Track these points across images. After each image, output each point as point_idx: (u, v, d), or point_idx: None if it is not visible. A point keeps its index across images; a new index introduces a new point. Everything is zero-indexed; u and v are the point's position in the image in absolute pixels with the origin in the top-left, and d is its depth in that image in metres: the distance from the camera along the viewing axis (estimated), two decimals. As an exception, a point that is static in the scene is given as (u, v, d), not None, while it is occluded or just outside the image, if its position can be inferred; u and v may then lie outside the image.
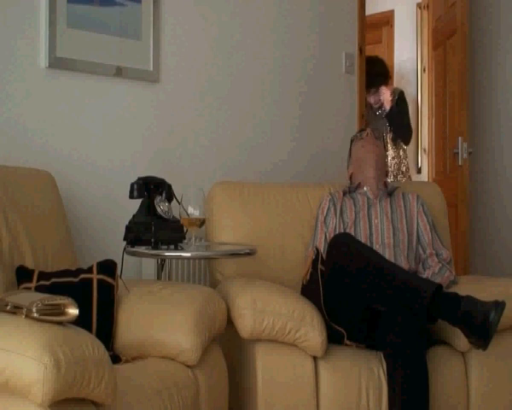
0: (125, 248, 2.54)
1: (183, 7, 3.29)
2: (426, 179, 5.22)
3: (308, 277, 2.58)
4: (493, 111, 4.58)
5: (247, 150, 3.53)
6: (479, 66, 4.56)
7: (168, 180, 2.70)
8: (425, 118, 5.48)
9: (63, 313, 1.56)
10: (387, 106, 4.73)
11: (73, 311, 1.56)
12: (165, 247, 2.52)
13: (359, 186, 3.04)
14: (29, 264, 2.28)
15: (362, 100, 4.07)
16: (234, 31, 3.49)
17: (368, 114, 4.52)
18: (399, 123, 4.75)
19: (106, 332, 2.16)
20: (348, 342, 2.48)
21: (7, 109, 2.73)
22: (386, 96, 4.74)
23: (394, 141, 4.75)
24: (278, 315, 2.32)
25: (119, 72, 3.04)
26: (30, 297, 1.60)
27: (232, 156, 3.47)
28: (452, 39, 4.16)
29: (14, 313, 1.57)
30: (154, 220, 2.54)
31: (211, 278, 2.98)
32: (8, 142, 2.72)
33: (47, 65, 2.81)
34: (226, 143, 3.45)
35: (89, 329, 2.07)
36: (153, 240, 2.51)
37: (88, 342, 1.54)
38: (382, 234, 2.88)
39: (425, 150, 5.52)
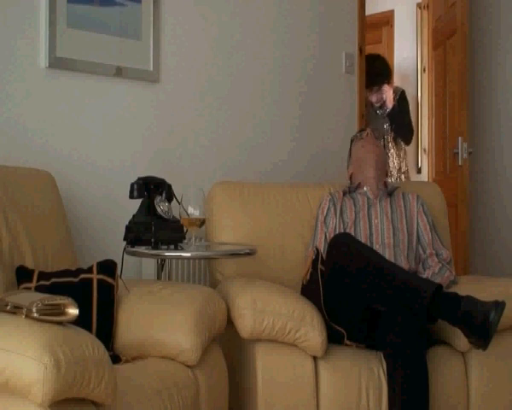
0: (125, 248, 2.54)
1: (183, 7, 3.29)
2: (426, 179, 5.22)
3: (308, 277, 2.58)
4: (493, 111, 4.58)
5: (247, 150, 3.53)
6: (479, 66, 4.56)
7: (168, 180, 2.70)
8: (425, 118, 5.48)
9: (63, 313, 1.56)
10: (390, 105, 4.71)
11: (73, 311, 1.56)
12: (165, 247, 2.52)
13: (359, 186, 3.04)
14: (29, 264, 2.28)
15: (362, 100, 4.07)
16: (234, 31, 3.49)
17: (368, 113, 4.51)
18: (401, 122, 4.74)
19: (106, 332, 2.16)
20: (348, 342, 2.48)
21: (7, 109, 2.73)
22: (388, 94, 4.72)
23: (395, 141, 4.75)
24: (278, 315, 2.32)
25: (119, 72, 3.04)
26: (30, 297, 1.60)
27: (232, 156, 3.47)
28: (452, 39, 4.16)
29: (14, 313, 1.57)
30: (154, 220, 2.54)
31: (211, 278, 2.98)
32: (8, 142, 2.72)
33: (47, 65, 2.81)
34: (226, 143, 3.45)
35: (89, 329, 2.07)
36: (153, 240, 2.51)
37: (88, 342, 1.54)
38: (382, 234, 2.88)
39: (425, 150, 5.52)
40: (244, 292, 2.40)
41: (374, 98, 4.71)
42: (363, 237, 2.85)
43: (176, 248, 2.53)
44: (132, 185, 2.63)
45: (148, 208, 2.59)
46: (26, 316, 1.53)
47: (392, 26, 6.03)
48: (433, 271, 2.83)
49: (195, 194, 2.58)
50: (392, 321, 2.35)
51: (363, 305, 2.45)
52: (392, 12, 6.02)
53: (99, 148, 3.00)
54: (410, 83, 5.82)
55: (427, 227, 2.94)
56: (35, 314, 1.52)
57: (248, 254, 2.59)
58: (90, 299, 2.18)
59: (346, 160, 3.23)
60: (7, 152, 2.68)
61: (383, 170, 3.11)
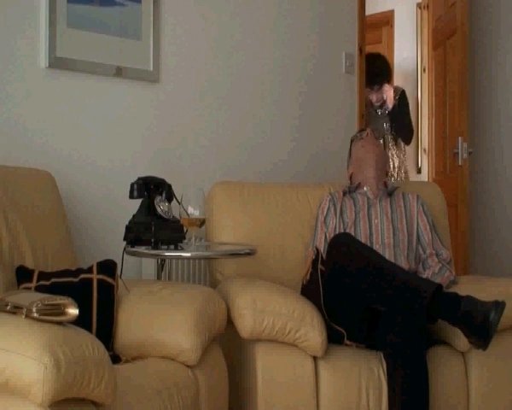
0: (125, 248, 2.54)
1: (183, 7, 3.29)
2: (426, 179, 5.22)
3: (308, 277, 2.58)
4: (493, 111, 4.58)
5: (247, 150, 3.53)
6: (479, 66, 4.56)
7: (168, 180, 2.70)
8: (425, 118, 5.48)
9: (63, 313, 1.56)
10: (390, 104, 4.70)
11: (73, 311, 1.56)
12: (165, 247, 2.52)
13: (359, 186, 3.04)
14: (29, 264, 2.28)
15: (362, 100, 4.07)
16: (234, 31, 3.49)
17: (368, 113, 4.50)
18: (401, 122, 4.73)
19: (106, 332, 2.16)
20: (348, 342, 2.48)
21: (7, 109, 2.73)
22: (389, 93, 4.71)
23: (395, 140, 4.74)
24: (278, 315, 2.32)
25: (119, 72, 3.04)
26: (30, 297, 1.60)
27: (232, 156, 3.47)
28: (452, 39, 4.16)
29: (14, 313, 1.57)
30: (154, 220, 2.54)
31: (211, 278, 2.98)
32: (8, 142, 2.72)
33: (47, 65, 2.81)
34: (226, 143, 3.45)
35: (89, 329, 2.07)
36: (153, 240, 2.51)
37: (88, 342, 1.54)
38: (382, 234, 2.88)
39: (425, 150, 5.52)
40: (244, 292, 2.40)
41: (374, 97, 4.70)
42: (363, 237, 2.85)
43: (176, 248, 2.53)
44: (132, 185, 2.63)
45: (148, 208, 2.59)
46: (26, 316, 1.53)
47: (392, 26, 6.03)
48: (433, 271, 2.83)
49: (195, 194, 2.58)
50: (392, 321, 2.35)
51: (363, 305, 2.45)
52: (392, 12, 6.02)
53: (99, 148, 3.00)
54: (410, 83, 5.81)
55: (427, 227, 2.94)
56: (35, 314, 1.52)
57: (248, 254, 2.59)
58: (90, 299, 2.18)
59: (346, 160, 3.23)
60: (7, 152, 2.68)
61: (383, 170, 3.11)
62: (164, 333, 2.12)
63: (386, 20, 6.03)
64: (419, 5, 5.73)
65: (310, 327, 2.34)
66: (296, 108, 3.75)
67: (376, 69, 4.59)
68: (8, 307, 1.59)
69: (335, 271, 2.49)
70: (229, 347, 2.47)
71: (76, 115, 2.93)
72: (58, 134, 2.88)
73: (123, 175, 2.97)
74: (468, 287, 2.65)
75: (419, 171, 5.73)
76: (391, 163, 4.66)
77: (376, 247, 2.82)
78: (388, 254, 2.79)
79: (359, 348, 2.49)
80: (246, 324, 2.31)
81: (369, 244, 2.79)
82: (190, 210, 2.54)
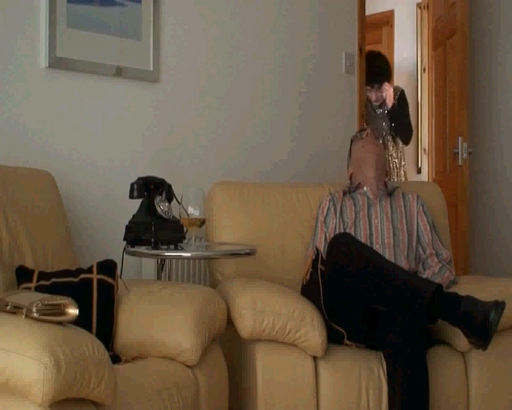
0: (125, 248, 2.54)
1: (183, 7, 3.29)
2: (426, 179, 5.22)
3: (308, 277, 2.58)
4: (493, 111, 4.58)
5: (247, 150, 3.53)
6: (479, 66, 4.56)
7: (168, 180, 2.70)
8: (425, 118, 5.48)
9: (63, 313, 1.56)
10: (389, 103, 4.69)
11: (73, 311, 1.56)
12: (165, 247, 2.52)
13: (359, 186, 3.04)
14: (29, 264, 2.28)
15: (362, 100, 4.07)
16: (234, 31, 3.49)
17: (367, 113, 4.50)
18: (401, 122, 4.73)
19: (106, 332, 2.16)
20: (348, 342, 2.48)
21: (7, 109, 2.73)
22: (389, 92, 4.70)
23: (394, 140, 4.74)
24: (278, 315, 2.32)
25: (119, 72, 3.04)
26: (30, 297, 1.60)
27: (232, 156, 3.47)
28: (452, 39, 4.16)
29: (14, 313, 1.57)
30: (154, 220, 2.54)
31: (211, 278, 2.98)
32: (8, 142, 2.72)
33: (47, 65, 2.81)
34: (226, 143, 3.45)
35: (89, 329, 2.07)
36: (153, 240, 2.51)
37: (88, 342, 1.54)
38: (382, 234, 2.88)
39: (425, 150, 5.52)
40: (244, 292, 2.40)
41: (373, 96, 4.68)
42: (363, 237, 2.85)
43: (176, 248, 2.53)
44: (132, 185, 2.63)
45: (148, 208, 2.59)
46: (26, 316, 1.53)
47: (392, 26, 6.04)
48: (433, 271, 2.83)
49: (195, 194, 2.58)
50: (392, 321, 2.35)
51: (363, 305, 2.45)
52: (392, 12, 6.03)
53: (99, 148, 3.00)
54: (410, 83, 5.81)
55: (427, 227, 2.94)
56: (35, 314, 1.52)
57: (248, 254, 2.59)
58: (90, 299, 2.18)
59: (346, 160, 3.23)
60: (7, 152, 2.68)
61: (383, 170, 3.11)
62: (164, 333, 2.12)
63: (386, 20, 6.03)
64: (419, 5, 5.73)
65: (310, 327, 2.34)
66: (296, 108, 3.75)
67: (376, 68, 4.59)
68: (8, 307, 1.59)
69: (335, 271, 2.49)
70: (229, 347, 2.47)
71: (76, 115, 2.93)
72: (58, 134, 2.88)
73: (123, 175, 2.97)
74: (468, 287, 2.65)
75: (419, 171, 5.73)
76: (390, 164, 4.66)
77: (376, 247, 2.82)
78: (388, 254, 2.79)
79: (359, 348, 2.49)
80: (246, 324, 2.31)
81: (369, 244, 2.79)
82: (190, 210, 2.54)
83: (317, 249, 2.63)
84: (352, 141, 3.21)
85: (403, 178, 4.71)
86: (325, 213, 2.98)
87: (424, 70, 5.50)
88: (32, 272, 2.23)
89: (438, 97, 4.56)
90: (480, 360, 2.53)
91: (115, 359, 2.03)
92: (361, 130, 3.36)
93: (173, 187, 2.69)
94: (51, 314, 1.54)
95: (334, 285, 2.48)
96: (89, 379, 1.51)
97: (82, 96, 2.95)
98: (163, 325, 2.13)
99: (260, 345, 2.36)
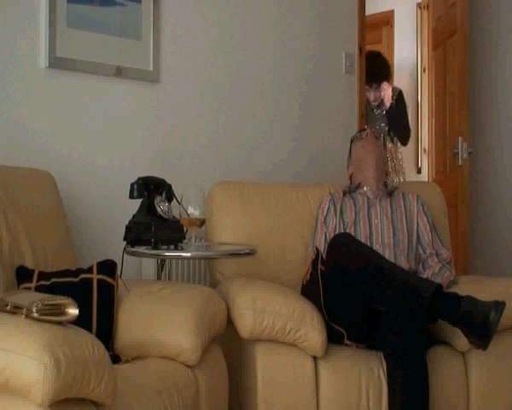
0: (125, 248, 2.54)
1: (183, 7, 3.29)
2: (426, 179, 5.22)
3: (308, 277, 2.58)
4: (493, 111, 4.58)
5: (247, 150, 3.53)
6: (479, 66, 4.56)
7: (168, 180, 2.70)
8: (425, 118, 5.48)
9: (63, 313, 1.56)
10: (388, 103, 4.69)
11: (73, 311, 1.56)
12: (165, 247, 2.52)
13: (359, 186, 3.04)
14: (29, 264, 2.28)
15: (362, 100, 4.07)
16: (234, 31, 3.49)
17: (365, 113, 4.49)
18: (399, 123, 4.73)
19: (106, 332, 2.16)
20: (348, 342, 2.48)
21: (7, 109, 2.73)
22: (387, 92, 4.70)
23: (392, 141, 4.73)
24: (278, 315, 2.32)
25: (119, 72, 3.04)
26: (30, 297, 1.60)
27: (232, 156, 3.47)
28: (452, 39, 4.16)
29: (14, 313, 1.57)
30: (154, 220, 2.54)
31: (211, 278, 2.98)
32: (8, 142, 2.72)
33: (47, 65, 2.81)
34: (226, 143, 3.45)
35: (89, 329, 2.07)
36: (153, 240, 2.51)
37: (88, 342, 1.54)
38: (382, 234, 2.88)
39: (425, 150, 5.52)
40: (244, 292, 2.40)
41: (372, 96, 4.68)
42: (363, 237, 2.85)
43: (176, 248, 2.53)
44: (132, 185, 2.63)
45: (148, 208, 2.59)
46: (26, 316, 1.53)
47: (392, 26, 6.04)
48: (433, 271, 2.83)
49: (195, 194, 2.58)
50: (392, 321, 2.35)
51: (363, 305, 2.45)
52: (392, 12, 6.03)
53: (99, 148, 3.00)
54: (410, 83, 5.82)
55: (427, 227, 2.94)
56: (35, 314, 1.52)
57: (248, 254, 2.59)
58: (90, 299, 2.18)
59: (346, 160, 3.23)
60: (7, 152, 2.68)
61: (383, 170, 3.11)
62: (164, 333, 2.12)
63: (386, 20, 6.03)
64: (419, 5, 5.74)
65: (310, 327, 2.34)
66: (296, 108, 3.75)
67: (376, 68, 4.59)
68: (8, 307, 1.59)
69: (335, 271, 2.49)
70: (229, 347, 2.47)
71: (76, 115, 2.93)
72: (58, 134, 2.88)
73: (123, 175, 2.97)
74: (468, 287, 2.65)
75: (419, 171, 5.74)
76: (390, 164, 4.65)
77: (376, 247, 2.82)
78: (388, 254, 2.79)
79: (359, 348, 2.49)
80: (246, 324, 2.31)
81: (369, 244, 2.79)
82: (190, 210, 2.54)
83: (317, 249, 2.63)
84: (351, 141, 3.21)
85: (401, 179, 4.71)
86: (325, 213, 2.98)
87: (424, 70, 5.50)
88: (31, 272, 2.23)
89: (438, 97, 4.56)
90: (480, 360, 2.53)
91: (115, 359, 2.03)
92: (361, 130, 3.36)
93: (173, 187, 2.69)
94: (51, 314, 1.54)
95: (334, 285, 2.48)
96: (89, 379, 1.51)
97: (82, 96, 2.95)
98: (163, 325, 2.13)
99: (260, 345, 2.36)
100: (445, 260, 2.89)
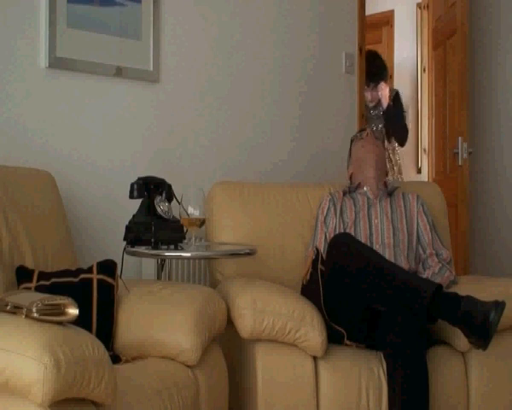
0: (125, 248, 2.54)
1: (183, 7, 3.29)
2: (426, 179, 5.22)
3: (308, 277, 2.58)
4: (493, 111, 4.58)
5: (247, 150, 3.53)
6: (479, 66, 4.56)
7: (168, 180, 2.70)
8: (425, 118, 5.48)
9: (63, 313, 1.56)
10: (385, 103, 4.69)
11: (73, 311, 1.56)
12: (165, 247, 2.52)
13: (359, 186, 3.04)
14: (29, 264, 2.28)
15: (362, 100, 4.07)
16: (234, 31, 3.49)
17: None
18: (397, 123, 4.72)
19: (106, 332, 2.16)
20: (348, 342, 2.48)
21: (7, 109, 2.73)
22: (385, 92, 4.70)
23: (389, 141, 4.72)
24: (278, 315, 2.32)
25: (119, 72, 3.04)
26: (30, 297, 1.60)
27: (232, 156, 3.47)
28: (452, 39, 4.16)
29: (14, 313, 1.57)
30: (154, 220, 2.54)
31: (211, 278, 2.98)
32: (8, 142, 2.72)
33: (47, 65, 2.81)
34: (226, 143, 3.45)
35: (89, 329, 2.07)
36: (153, 240, 2.51)
37: (88, 342, 1.54)
38: (382, 234, 2.88)
39: (425, 150, 5.52)
40: (244, 292, 2.40)
41: (369, 96, 4.66)
42: (363, 237, 2.85)
43: (176, 248, 2.53)
44: (132, 185, 2.63)
45: (148, 208, 2.59)
46: (26, 316, 1.53)
47: (392, 26, 6.04)
48: (433, 271, 2.83)
49: (195, 194, 2.58)
50: (392, 321, 2.35)
51: (363, 305, 2.45)
52: (392, 12, 6.03)
53: (99, 148, 3.00)
54: (410, 83, 5.82)
55: (427, 227, 2.94)
56: (35, 314, 1.52)
57: (248, 254, 2.59)
58: (90, 299, 2.18)
59: (346, 160, 3.23)
60: (7, 152, 2.68)
61: (383, 170, 3.11)
62: (164, 333, 2.12)
63: (386, 20, 6.03)
64: (419, 5, 5.74)
65: (310, 327, 2.34)
66: (296, 108, 3.75)
67: (374, 68, 4.58)
68: (8, 307, 1.59)
69: (335, 271, 2.49)
70: (229, 347, 2.47)
71: (76, 115, 2.93)
72: (58, 134, 2.88)
73: (123, 175, 2.97)
74: (468, 287, 2.65)
75: (419, 171, 5.74)
76: (388, 164, 4.65)
77: (376, 247, 2.82)
78: (388, 254, 2.79)
79: (359, 348, 2.49)
80: (246, 324, 2.31)
81: (369, 244, 2.79)
82: (190, 210, 2.54)
83: (317, 249, 2.63)
84: (351, 141, 3.21)
85: (399, 179, 4.71)
86: (325, 213, 2.98)
87: (424, 70, 5.50)
88: (32, 272, 2.23)
89: (438, 97, 4.56)
90: (480, 360, 2.53)
91: (115, 359, 2.03)
92: (361, 130, 3.36)
93: (173, 187, 2.69)
94: (51, 314, 1.54)
95: (334, 285, 2.48)
96: (89, 379, 1.51)
97: (82, 96, 2.95)
98: (163, 325, 2.13)
99: (260, 345, 2.36)
100: (445, 260, 2.89)
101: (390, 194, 3.01)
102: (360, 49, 4.04)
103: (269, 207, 3.02)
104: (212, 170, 3.35)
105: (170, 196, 2.65)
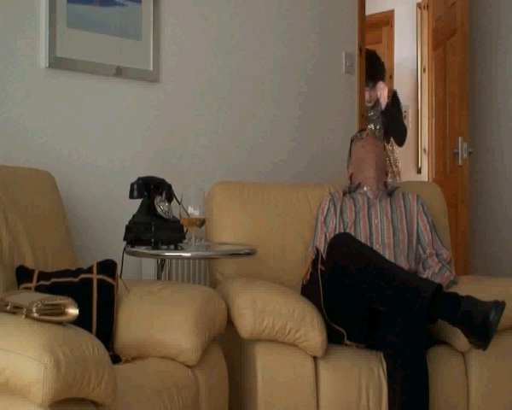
0: (125, 248, 2.54)
1: (183, 7, 3.29)
2: (426, 179, 5.22)
3: (308, 277, 2.58)
4: (493, 111, 4.58)
5: (247, 150, 3.53)
6: (479, 66, 4.56)
7: (168, 180, 2.70)
8: (425, 118, 5.48)
9: (63, 313, 1.56)
10: (384, 103, 4.68)
11: (73, 311, 1.56)
12: (165, 247, 2.52)
13: (359, 186, 3.04)
14: (29, 264, 2.28)
15: (362, 100, 4.07)
16: (234, 31, 3.49)
17: None
18: (396, 123, 4.72)
19: (106, 332, 2.16)
20: (348, 342, 2.48)
21: (7, 109, 2.73)
22: (383, 92, 4.69)
23: (387, 141, 4.72)
24: (278, 315, 2.32)
25: (119, 72, 3.04)
26: (30, 297, 1.60)
27: (232, 156, 3.47)
28: (452, 39, 4.16)
29: (14, 313, 1.57)
30: (154, 220, 2.54)
31: (211, 278, 2.98)
32: (8, 142, 2.72)
33: (47, 65, 2.81)
34: (226, 143, 3.45)
35: (89, 329, 2.07)
36: (153, 240, 2.51)
37: (88, 342, 1.54)
38: (382, 234, 2.88)
39: (425, 150, 5.52)
40: (244, 292, 2.40)
41: (367, 96, 4.64)
42: (363, 237, 2.85)
43: (176, 248, 2.53)
44: (132, 185, 2.63)
45: (148, 208, 2.59)
46: (26, 316, 1.53)
47: (392, 26, 6.04)
48: (433, 271, 2.83)
49: (195, 194, 2.58)
50: (392, 321, 2.35)
51: (363, 305, 2.45)
52: (392, 12, 6.03)
53: (99, 148, 3.00)
54: (410, 83, 5.82)
55: (427, 227, 2.94)
56: (35, 314, 1.52)
57: (248, 254, 2.59)
58: (90, 299, 2.18)
59: (346, 160, 3.23)
60: (7, 152, 2.68)
61: (383, 170, 3.11)
62: (164, 333, 2.12)
63: (386, 20, 6.03)
64: (419, 5, 5.74)
65: (310, 327, 2.34)
66: (296, 108, 3.75)
67: (370, 66, 4.56)
68: (8, 307, 1.59)
69: (335, 271, 2.49)
70: (229, 347, 2.47)
71: (76, 115, 2.93)
72: (58, 134, 2.88)
73: (123, 175, 2.97)
74: (468, 287, 2.65)
75: (419, 171, 5.74)
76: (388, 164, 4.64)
77: (376, 247, 2.82)
78: (388, 254, 2.79)
79: (359, 348, 2.49)
80: (246, 324, 2.31)
81: (369, 244, 2.79)
82: (190, 210, 2.54)
83: (317, 249, 2.63)
84: (351, 141, 3.21)
85: (397, 179, 4.71)
86: (325, 213, 2.98)
87: (424, 70, 5.50)
88: (32, 272, 2.23)
89: (438, 97, 4.56)
90: (480, 360, 2.53)
91: (115, 359, 2.03)
92: (361, 130, 3.36)
93: (173, 187, 2.69)
94: (51, 314, 1.54)
95: (334, 285, 2.48)
96: (89, 379, 1.51)
97: (82, 96, 2.95)
98: (163, 325, 2.13)
99: (260, 345, 2.36)
100: (445, 260, 2.89)
101: (390, 194, 3.01)
102: (360, 49, 4.04)
103: (269, 207, 3.02)
104: (212, 170, 3.35)
105: (170, 196, 2.65)
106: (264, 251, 2.85)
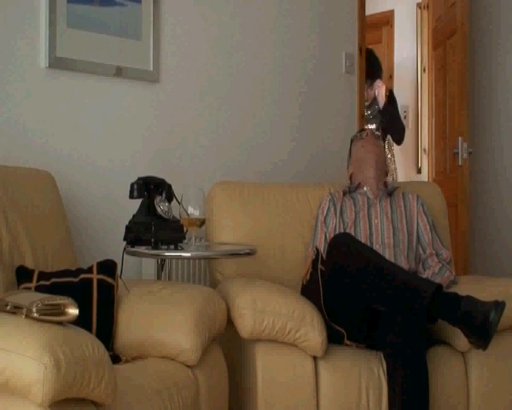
0: (125, 248, 2.54)
1: (183, 7, 3.29)
2: (426, 179, 5.22)
3: (308, 277, 2.58)
4: (493, 111, 4.58)
5: (247, 150, 3.53)
6: (479, 66, 4.56)
7: (168, 180, 2.70)
8: (425, 118, 5.48)
9: (63, 313, 1.56)
10: (381, 101, 4.68)
11: (73, 311, 1.56)
12: (165, 247, 2.52)
13: (359, 186, 3.04)
14: (29, 264, 2.28)
15: (362, 100, 4.07)
16: (234, 31, 3.49)
17: None
18: (394, 121, 4.72)
19: (106, 332, 2.16)
20: (348, 342, 2.48)
21: (7, 109, 2.73)
22: (381, 90, 4.69)
23: (385, 141, 4.72)
24: (278, 315, 2.32)
25: (119, 72, 3.04)
26: (30, 297, 1.60)
27: (232, 156, 3.47)
28: (452, 39, 4.16)
29: (14, 313, 1.57)
30: (154, 220, 2.54)
31: (211, 278, 2.98)
32: (8, 142, 2.72)
33: (47, 65, 2.81)
34: (226, 143, 3.45)
35: (89, 329, 2.07)
36: (153, 240, 2.51)
37: (88, 342, 1.54)
38: (382, 234, 2.88)
39: (425, 150, 5.52)
40: (244, 292, 2.40)
41: (365, 94, 4.65)
42: (363, 237, 2.85)
43: (176, 248, 2.53)
44: (132, 185, 2.63)
45: (148, 208, 2.59)
46: (26, 316, 1.53)
47: (392, 26, 6.04)
48: (433, 271, 2.83)
49: (195, 194, 2.58)
50: (392, 321, 2.35)
51: (363, 305, 2.45)
52: (392, 12, 6.03)
53: (99, 148, 3.00)
54: (410, 83, 5.82)
55: (427, 227, 2.94)
56: (35, 314, 1.52)
57: (248, 254, 2.59)
58: (90, 299, 2.18)
59: (346, 160, 3.23)
60: (7, 152, 2.68)
61: (383, 170, 3.11)
62: (164, 333, 2.12)
63: (386, 20, 6.03)
64: (419, 5, 5.74)
65: (310, 327, 2.34)
66: (296, 108, 3.75)
67: (370, 66, 4.57)
68: (8, 307, 1.59)
69: (335, 271, 2.49)
70: (229, 347, 2.47)
71: (76, 115, 2.93)
72: (58, 134, 2.88)
73: (123, 175, 2.97)
74: (468, 287, 2.65)
75: (419, 171, 5.74)
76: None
77: (376, 247, 2.82)
78: (388, 254, 2.79)
79: (359, 348, 2.49)
80: (246, 324, 2.31)
81: (369, 244, 2.79)
82: (190, 210, 2.54)
83: (317, 249, 2.63)
84: (351, 141, 3.21)
85: (395, 178, 4.71)
86: (325, 213, 2.98)
87: (424, 70, 5.50)
88: (32, 272, 2.23)
89: (438, 97, 4.56)
90: (480, 360, 2.53)
91: (115, 359, 2.03)
92: (361, 130, 3.36)
93: (173, 187, 2.69)
94: (51, 314, 1.54)
95: (334, 285, 2.48)
96: (89, 379, 1.51)
97: (82, 96, 2.95)
98: (163, 325, 2.13)
99: (260, 345, 2.36)
100: (445, 260, 2.89)
101: (390, 194, 3.01)
102: (360, 49, 4.04)
103: (269, 207, 3.02)
104: (212, 170, 3.35)
105: (170, 196, 2.65)
106: (264, 251, 2.85)
